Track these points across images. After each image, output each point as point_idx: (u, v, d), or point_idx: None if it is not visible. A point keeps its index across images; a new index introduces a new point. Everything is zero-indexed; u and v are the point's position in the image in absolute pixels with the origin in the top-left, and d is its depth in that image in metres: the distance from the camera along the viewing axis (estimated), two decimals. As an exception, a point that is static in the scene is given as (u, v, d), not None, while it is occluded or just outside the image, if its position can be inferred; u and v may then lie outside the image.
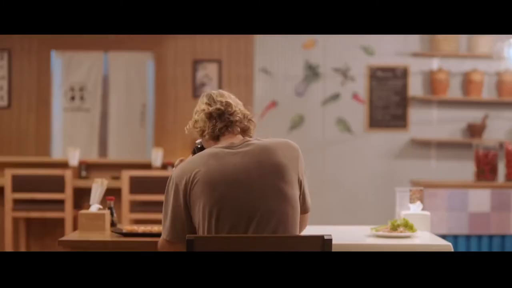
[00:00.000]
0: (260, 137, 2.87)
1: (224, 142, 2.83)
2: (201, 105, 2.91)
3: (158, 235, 3.16)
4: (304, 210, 2.86)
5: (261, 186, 2.72)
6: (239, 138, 2.85)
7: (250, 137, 2.89)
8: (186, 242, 2.61)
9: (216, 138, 2.86)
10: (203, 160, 2.77)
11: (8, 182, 6.39)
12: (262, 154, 2.75)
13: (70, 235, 3.31)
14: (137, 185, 6.30)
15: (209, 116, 2.87)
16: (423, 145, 7.94)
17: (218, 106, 2.87)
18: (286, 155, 2.76)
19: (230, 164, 2.74)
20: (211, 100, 2.90)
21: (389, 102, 7.94)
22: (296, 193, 2.77)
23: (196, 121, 2.91)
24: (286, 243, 2.63)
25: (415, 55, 7.91)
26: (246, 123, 2.88)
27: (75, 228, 6.38)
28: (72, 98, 8.18)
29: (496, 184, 6.05)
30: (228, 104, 2.87)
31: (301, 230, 2.89)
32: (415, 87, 7.95)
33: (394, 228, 3.34)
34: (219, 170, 2.73)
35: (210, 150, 2.81)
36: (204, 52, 8.00)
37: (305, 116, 7.82)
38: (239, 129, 2.87)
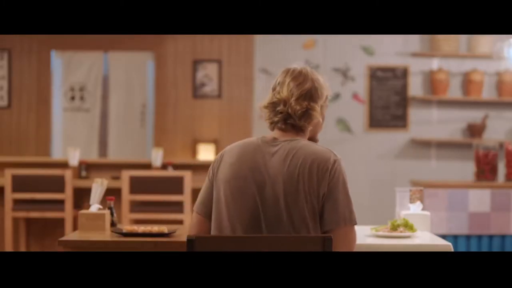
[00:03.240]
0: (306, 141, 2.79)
1: (274, 134, 2.81)
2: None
3: (158, 235, 3.16)
4: (332, 223, 2.70)
5: (269, 191, 2.68)
6: (286, 135, 2.80)
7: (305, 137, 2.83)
8: (186, 242, 2.61)
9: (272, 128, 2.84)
10: (241, 150, 2.76)
11: (8, 182, 6.38)
12: (285, 162, 2.70)
13: (70, 235, 3.31)
14: (137, 185, 6.30)
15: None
16: (423, 145, 7.94)
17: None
18: (309, 167, 2.68)
19: (251, 160, 2.72)
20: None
21: (389, 102, 7.94)
22: (308, 207, 2.67)
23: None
24: (286, 243, 2.63)
25: (415, 55, 7.92)
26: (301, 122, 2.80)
27: (75, 228, 6.37)
28: (72, 98, 8.18)
29: (496, 184, 6.05)
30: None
31: (339, 248, 2.69)
32: (415, 87, 7.95)
33: (394, 228, 3.34)
34: (243, 162, 2.72)
35: (256, 140, 2.78)
36: (204, 52, 8.00)
37: (305, 116, 7.82)
38: (293, 125, 2.80)
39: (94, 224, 3.38)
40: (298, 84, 2.81)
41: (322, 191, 2.69)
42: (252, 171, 2.71)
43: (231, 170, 2.74)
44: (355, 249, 2.80)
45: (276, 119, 2.80)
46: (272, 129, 2.83)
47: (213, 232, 2.79)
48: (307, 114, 2.78)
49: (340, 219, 2.70)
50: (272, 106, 2.83)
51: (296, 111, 2.76)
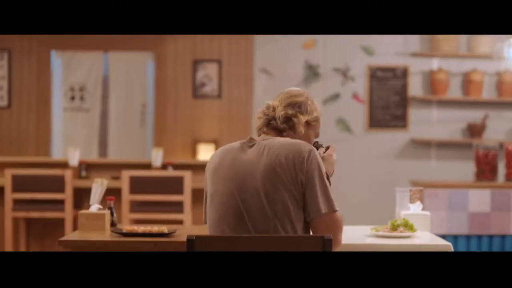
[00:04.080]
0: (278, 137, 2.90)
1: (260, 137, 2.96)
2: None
3: (158, 235, 3.16)
4: (314, 212, 2.78)
5: (250, 186, 2.78)
6: (266, 137, 2.93)
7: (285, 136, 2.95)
8: (186, 242, 2.61)
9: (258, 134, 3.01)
10: (222, 152, 2.90)
11: (8, 182, 6.38)
12: (260, 156, 2.80)
13: (70, 235, 3.31)
14: (137, 185, 6.30)
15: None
16: (423, 145, 7.94)
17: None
18: (284, 160, 2.77)
19: (230, 160, 2.84)
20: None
21: (389, 102, 7.94)
22: (289, 195, 2.75)
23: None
24: (286, 243, 2.63)
25: (415, 55, 7.91)
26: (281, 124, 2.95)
27: (75, 228, 6.37)
28: (72, 98, 8.18)
29: (496, 184, 6.05)
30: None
31: (322, 233, 2.78)
32: (415, 87, 7.95)
33: (394, 228, 3.35)
34: (223, 164, 2.85)
35: (236, 144, 2.92)
36: (204, 52, 8.00)
37: (305, 116, 7.81)
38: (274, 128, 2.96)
39: (94, 224, 3.38)
40: (292, 96, 2.98)
41: (300, 179, 2.77)
42: (231, 171, 2.82)
43: (213, 174, 2.88)
44: (356, 249, 2.81)
45: (261, 121, 2.96)
46: (259, 136, 2.97)
47: (210, 233, 2.87)
48: (290, 120, 2.93)
49: (320, 207, 2.79)
50: (264, 113, 2.98)
51: (281, 116, 2.93)
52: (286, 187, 2.75)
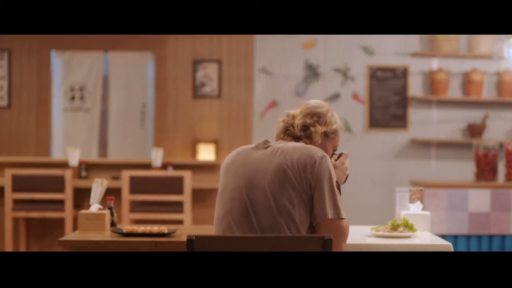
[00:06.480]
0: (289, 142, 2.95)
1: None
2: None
3: (158, 235, 3.16)
4: (320, 216, 2.80)
5: (259, 183, 2.80)
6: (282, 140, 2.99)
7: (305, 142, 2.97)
8: (186, 242, 2.61)
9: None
10: (236, 152, 2.96)
11: (8, 182, 6.38)
12: (273, 156, 2.84)
13: (70, 235, 3.31)
14: (137, 185, 6.30)
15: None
16: (423, 145, 7.94)
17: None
18: (296, 161, 2.80)
19: (242, 159, 2.89)
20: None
21: (389, 102, 7.94)
22: (296, 196, 2.77)
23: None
24: (287, 243, 2.63)
25: (415, 55, 7.92)
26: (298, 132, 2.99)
27: (75, 228, 6.37)
28: (72, 98, 8.18)
29: (496, 184, 6.05)
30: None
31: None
32: (415, 87, 7.95)
33: (394, 228, 3.35)
34: (235, 163, 2.90)
35: (251, 145, 2.97)
36: (204, 52, 8.00)
37: (305, 116, 7.80)
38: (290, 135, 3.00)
39: (94, 224, 3.38)
40: (313, 106, 3.02)
41: (309, 182, 2.79)
42: (242, 168, 2.86)
43: (225, 172, 2.92)
44: (356, 249, 2.80)
45: (279, 128, 3.01)
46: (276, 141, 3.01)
47: (215, 228, 2.89)
48: (307, 129, 2.97)
49: (327, 211, 2.80)
50: (283, 120, 3.03)
51: (299, 124, 2.97)
52: (295, 188, 2.77)
